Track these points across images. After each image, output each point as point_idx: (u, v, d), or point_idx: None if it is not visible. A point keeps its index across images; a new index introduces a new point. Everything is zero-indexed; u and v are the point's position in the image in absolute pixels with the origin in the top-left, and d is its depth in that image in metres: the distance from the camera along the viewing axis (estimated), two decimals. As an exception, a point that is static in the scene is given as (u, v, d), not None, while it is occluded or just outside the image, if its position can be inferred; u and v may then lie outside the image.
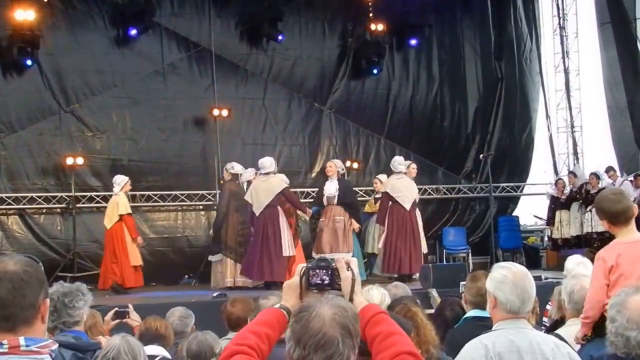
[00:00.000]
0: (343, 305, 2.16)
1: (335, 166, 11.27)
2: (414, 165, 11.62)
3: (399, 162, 11.42)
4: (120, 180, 11.06)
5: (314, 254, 10.78)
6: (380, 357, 2.20)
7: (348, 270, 2.39)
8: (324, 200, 11.05)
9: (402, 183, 11.16)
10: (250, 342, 2.24)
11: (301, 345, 2.09)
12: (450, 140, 15.69)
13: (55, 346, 2.16)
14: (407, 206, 10.96)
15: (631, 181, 13.35)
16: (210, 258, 11.30)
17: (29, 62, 12.49)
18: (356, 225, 11.08)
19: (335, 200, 10.99)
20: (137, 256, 10.90)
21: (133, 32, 13.14)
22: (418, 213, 11.38)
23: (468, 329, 3.87)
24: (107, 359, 3.29)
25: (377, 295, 4.47)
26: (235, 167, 11.19)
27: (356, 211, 11.29)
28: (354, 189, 12.89)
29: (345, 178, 11.56)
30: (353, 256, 9.55)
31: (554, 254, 13.99)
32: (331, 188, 11.06)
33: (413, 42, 15.06)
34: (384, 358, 2.19)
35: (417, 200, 11.34)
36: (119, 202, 10.84)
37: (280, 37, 14.05)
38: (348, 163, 14.25)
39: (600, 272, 4.26)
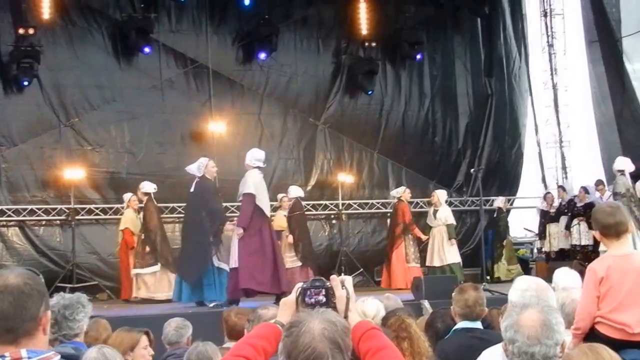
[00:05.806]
0: (333, 320, 2.18)
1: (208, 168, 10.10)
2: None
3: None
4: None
5: None
6: None
7: (342, 288, 2.42)
8: None
9: None
10: (247, 354, 2.29)
11: (292, 359, 2.15)
12: (442, 154, 15.86)
13: (57, 357, 2.15)
14: None
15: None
16: (143, 270, 11.55)
17: (26, 82, 12.58)
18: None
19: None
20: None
21: (132, 48, 13.33)
22: None
23: (458, 339, 3.94)
24: None
25: (372, 307, 4.53)
26: (146, 187, 11.62)
27: (212, 217, 9.88)
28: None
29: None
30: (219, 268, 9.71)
31: (543, 266, 14.18)
32: None
33: (418, 56, 15.24)
34: None
35: None
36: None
37: (264, 56, 14.25)
38: (342, 177, 14.50)
39: (591, 283, 4.28)
